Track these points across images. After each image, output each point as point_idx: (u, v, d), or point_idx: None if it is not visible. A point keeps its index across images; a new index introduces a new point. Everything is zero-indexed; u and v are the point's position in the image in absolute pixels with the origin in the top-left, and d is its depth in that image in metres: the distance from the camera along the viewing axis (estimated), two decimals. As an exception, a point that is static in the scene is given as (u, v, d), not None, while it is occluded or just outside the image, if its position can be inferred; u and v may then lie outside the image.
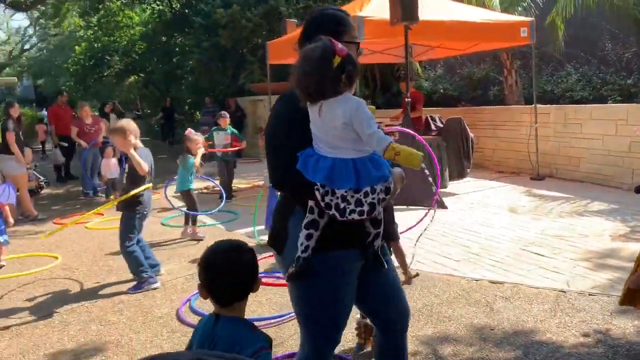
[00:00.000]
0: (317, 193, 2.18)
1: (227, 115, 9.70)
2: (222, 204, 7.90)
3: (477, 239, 6.34)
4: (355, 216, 2.17)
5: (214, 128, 9.64)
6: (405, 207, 7.92)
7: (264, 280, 5.14)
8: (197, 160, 7.16)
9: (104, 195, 10.31)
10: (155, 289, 5.17)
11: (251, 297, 4.80)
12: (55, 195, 11.44)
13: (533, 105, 10.13)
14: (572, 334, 3.79)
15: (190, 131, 7.49)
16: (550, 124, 10.22)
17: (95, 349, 3.93)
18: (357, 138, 2.18)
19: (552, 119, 10.22)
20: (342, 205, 2.16)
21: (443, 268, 5.37)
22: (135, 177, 5.19)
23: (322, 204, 2.18)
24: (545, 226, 6.73)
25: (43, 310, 4.72)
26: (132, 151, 5.15)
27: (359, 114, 2.15)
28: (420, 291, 4.75)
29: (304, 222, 2.27)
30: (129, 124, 5.12)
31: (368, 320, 3.69)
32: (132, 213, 5.19)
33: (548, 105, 10.83)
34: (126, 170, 5.46)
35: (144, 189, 5.18)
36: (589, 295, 4.48)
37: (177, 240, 7.04)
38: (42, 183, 11.93)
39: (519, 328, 3.94)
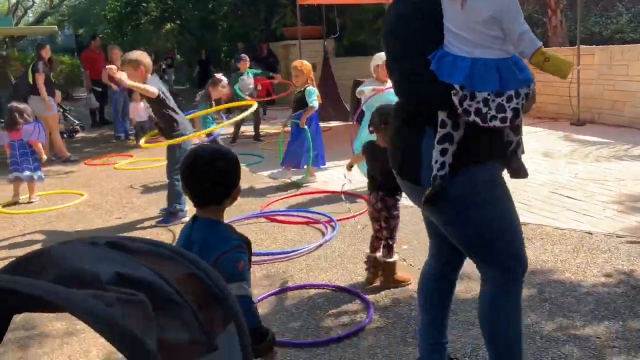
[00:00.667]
0: (454, 98, 1.91)
1: (247, 58, 9.55)
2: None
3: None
4: (497, 123, 1.92)
5: (237, 74, 9.53)
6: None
7: (280, 217, 5.11)
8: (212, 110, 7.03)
9: (134, 138, 10.42)
10: (184, 223, 5.20)
11: (266, 233, 4.86)
12: (89, 139, 11.65)
13: (576, 47, 9.54)
14: (593, 274, 3.60)
15: (220, 77, 7.31)
16: (595, 66, 9.62)
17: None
18: (501, 36, 1.91)
19: (596, 61, 9.62)
20: (484, 110, 1.90)
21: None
22: (160, 113, 5.12)
23: (460, 109, 1.92)
24: (579, 170, 6.41)
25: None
26: (129, 81, 4.95)
27: (511, 9, 1.89)
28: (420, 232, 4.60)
29: (437, 137, 2.01)
30: (142, 56, 5.02)
31: (377, 255, 3.60)
32: (174, 147, 5.15)
33: (592, 46, 10.19)
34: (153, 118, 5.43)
35: (187, 138, 5.11)
36: (617, 237, 4.24)
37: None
38: (77, 127, 12.17)
39: (537, 267, 3.77)
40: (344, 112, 12.00)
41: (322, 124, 11.77)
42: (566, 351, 2.73)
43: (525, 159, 6.81)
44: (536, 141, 8.43)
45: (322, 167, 6.65)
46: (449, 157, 2.01)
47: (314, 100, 6.29)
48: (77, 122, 12.40)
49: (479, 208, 2.11)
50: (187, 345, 0.77)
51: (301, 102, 6.37)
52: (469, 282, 3.59)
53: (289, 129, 6.60)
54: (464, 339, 2.90)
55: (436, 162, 2.01)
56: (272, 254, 4.27)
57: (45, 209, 5.94)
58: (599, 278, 3.54)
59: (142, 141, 5.33)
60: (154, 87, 4.95)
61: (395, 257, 3.59)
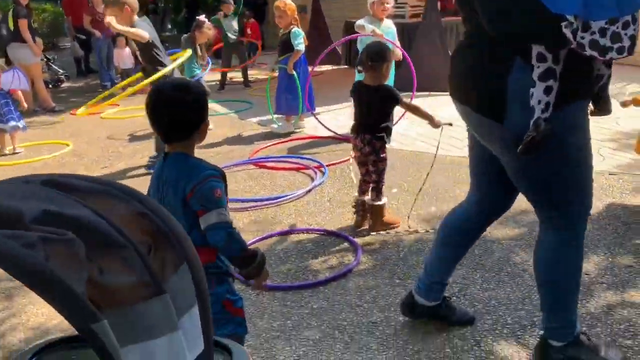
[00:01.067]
0: (566, 31, 1.67)
1: (231, 1, 9.18)
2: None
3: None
4: (614, 54, 1.69)
5: (215, 17, 9.19)
6: (427, 93, 7.55)
7: (269, 164, 5.03)
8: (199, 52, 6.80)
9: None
10: (227, 167, 5.16)
11: (254, 180, 4.79)
12: (74, 89, 11.38)
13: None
14: (584, 212, 3.57)
15: (204, 19, 7.04)
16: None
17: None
18: None
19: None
20: (601, 42, 1.67)
21: (458, 151, 5.11)
22: (150, 57, 4.94)
23: (574, 43, 1.69)
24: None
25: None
26: (119, 26, 4.79)
27: None
28: (430, 173, 4.54)
29: (537, 74, 1.79)
30: None
31: (366, 198, 3.55)
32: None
33: None
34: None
35: (167, 71, 4.94)
36: (609, 174, 4.19)
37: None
38: (62, 76, 11.87)
39: (528, 206, 3.71)
40: (335, 54, 11.74)
41: (312, 68, 11.60)
42: (554, 288, 2.72)
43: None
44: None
45: (312, 112, 6.49)
46: (553, 97, 1.79)
47: (300, 43, 6.04)
48: (61, 71, 12.08)
49: (568, 149, 1.94)
50: (131, 287, 0.70)
51: (287, 45, 6.08)
52: (459, 222, 3.56)
53: (277, 74, 6.39)
54: (452, 278, 2.88)
55: (539, 102, 1.79)
56: (261, 200, 4.21)
57: (31, 160, 5.83)
58: (593, 215, 3.50)
59: (80, 110, 5.17)
60: (144, 30, 4.77)
61: (383, 200, 3.54)
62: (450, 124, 3.41)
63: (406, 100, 3.51)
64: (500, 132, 1.92)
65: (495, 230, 3.41)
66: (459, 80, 2.06)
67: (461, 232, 2.44)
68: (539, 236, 2.16)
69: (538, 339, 2.23)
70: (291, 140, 5.92)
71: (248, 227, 3.74)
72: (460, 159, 4.84)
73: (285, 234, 3.58)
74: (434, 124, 3.46)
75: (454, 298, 2.71)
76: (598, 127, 5.42)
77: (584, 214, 2.08)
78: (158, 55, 4.88)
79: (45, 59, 11.88)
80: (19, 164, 5.73)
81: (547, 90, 1.78)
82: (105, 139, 6.62)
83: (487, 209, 2.41)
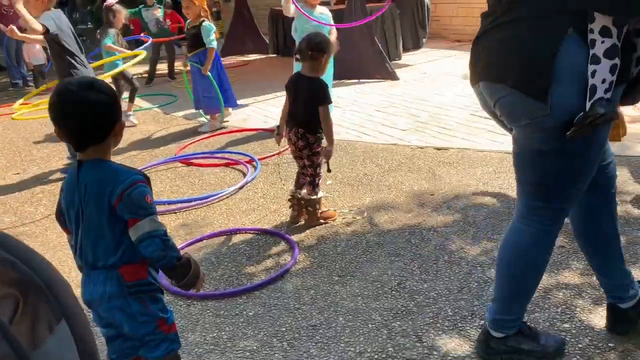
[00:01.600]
0: None
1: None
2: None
3: (426, 108, 6.03)
4: None
5: (140, 7, 8.74)
6: (356, 80, 7.50)
7: (197, 161, 4.82)
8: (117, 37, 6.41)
9: (33, 85, 9.52)
10: (153, 166, 4.84)
11: (182, 178, 4.56)
12: (-17, 88, 10.54)
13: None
14: (513, 193, 3.61)
15: (112, 2, 6.61)
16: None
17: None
18: None
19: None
20: None
21: (389, 138, 5.09)
22: (59, 60, 4.58)
23: None
24: (497, 91, 6.43)
25: None
26: (18, 6, 4.37)
27: None
28: (362, 162, 4.48)
29: (602, 50, 1.62)
30: None
31: (302, 193, 3.42)
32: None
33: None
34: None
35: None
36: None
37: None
38: (-34, 76, 10.96)
39: (460, 192, 3.74)
40: (262, 43, 11.49)
41: (240, 58, 11.31)
42: (491, 275, 2.71)
43: (446, 83, 6.79)
44: (455, 65, 8.40)
45: (235, 106, 6.23)
46: (615, 75, 1.65)
47: (213, 40, 5.62)
48: (-34, 70, 11.16)
49: (592, 141, 1.78)
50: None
51: (196, 40, 5.65)
52: (394, 212, 3.51)
53: (189, 68, 6.02)
54: (390, 271, 2.83)
55: (603, 80, 1.64)
56: (189, 200, 4.00)
57: None
58: (520, 198, 3.55)
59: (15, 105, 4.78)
60: (44, 21, 4.37)
61: (320, 194, 3.43)
62: (329, 171, 3.44)
63: (325, 111, 3.23)
64: (539, 111, 1.74)
65: (430, 218, 3.38)
66: (491, 57, 1.86)
67: (600, 227, 2.11)
68: (515, 225, 2.01)
69: (480, 330, 2.19)
70: (219, 134, 5.70)
71: (176, 230, 3.53)
72: (391, 146, 4.82)
73: (216, 235, 3.40)
74: (326, 152, 3.29)
75: (393, 292, 2.64)
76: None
77: (566, 210, 1.97)
78: (64, 53, 4.52)
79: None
80: None
81: (613, 69, 1.64)
82: (18, 142, 6.13)
83: (598, 192, 2.05)
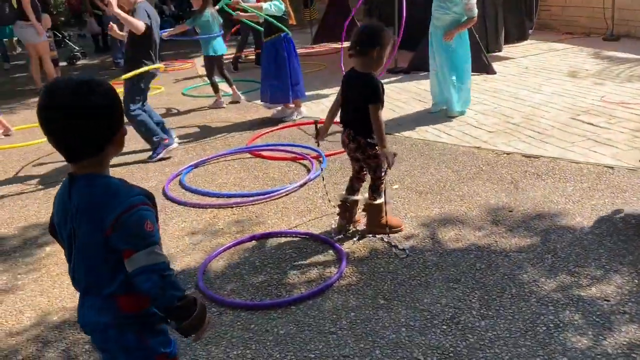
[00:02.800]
0: None
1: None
2: None
3: (521, 107, 5.47)
4: None
5: None
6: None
7: (266, 153, 4.67)
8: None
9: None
10: (172, 149, 4.85)
11: (247, 170, 4.43)
12: (91, 66, 11.19)
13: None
14: (609, 218, 3.09)
15: None
16: (634, -28, 8.53)
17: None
18: None
19: (636, -35, 8.51)
20: None
21: (472, 140, 4.63)
22: (136, 43, 4.63)
23: None
24: (607, 91, 5.70)
25: (34, 181, 4.49)
26: (116, 9, 4.54)
27: None
28: (437, 166, 4.09)
29: None
30: None
31: (357, 197, 3.14)
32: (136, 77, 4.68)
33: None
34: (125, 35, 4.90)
35: (151, 68, 4.65)
36: (628, 170, 3.68)
37: (200, 108, 6.59)
38: (77, 54, 11.67)
39: (544, 210, 3.27)
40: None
41: (332, 45, 11.07)
42: (565, 317, 2.29)
43: (548, 79, 6.13)
44: (561, 60, 7.62)
45: (303, 98, 5.91)
46: None
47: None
48: (77, 48, 11.89)
49: None
50: None
51: (270, 25, 5.43)
52: (463, 228, 3.13)
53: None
54: (445, 300, 2.48)
55: None
56: (248, 195, 3.84)
57: (20, 145, 5.59)
58: (616, 224, 3.03)
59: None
60: (140, 20, 4.46)
61: (381, 200, 3.11)
62: (395, 154, 2.90)
63: (375, 110, 2.86)
64: None
65: (503, 239, 2.97)
66: None
67: None
68: None
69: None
70: (295, 125, 5.52)
71: (228, 227, 3.39)
72: (474, 149, 4.37)
73: (263, 237, 3.21)
74: (384, 156, 2.89)
75: (444, 327, 2.30)
76: (633, 114, 4.85)
77: None
78: (143, 47, 4.59)
79: (59, 36, 11.71)
80: (18, 147, 5.50)
81: None
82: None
83: None
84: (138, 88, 4.72)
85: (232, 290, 2.70)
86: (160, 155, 4.78)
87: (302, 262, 2.92)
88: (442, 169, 4.03)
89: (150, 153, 4.85)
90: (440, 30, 5.18)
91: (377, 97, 2.86)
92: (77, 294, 1.58)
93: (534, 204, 3.36)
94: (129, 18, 4.48)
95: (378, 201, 3.12)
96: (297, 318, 2.44)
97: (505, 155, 4.22)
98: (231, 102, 6.74)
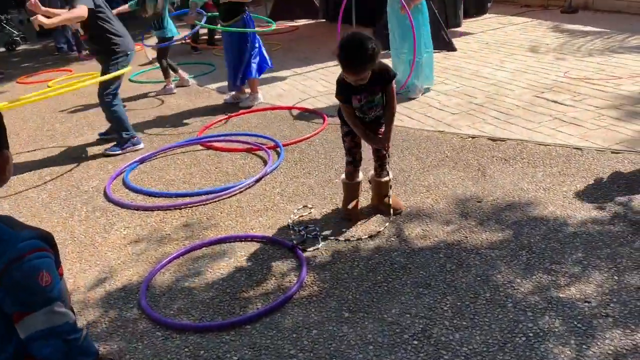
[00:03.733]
0: None
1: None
2: None
3: (483, 86, 5.28)
4: None
5: None
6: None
7: (219, 145, 4.36)
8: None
9: (76, 50, 9.33)
10: (138, 150, 4.45)
11: (198, 165, 4.09)
12: (31, 52, 10.49)
13: None
14: (582, 206, 2.92)
15: None
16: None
17: None
18: None
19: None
20: None
21: (435, 123, 4.42)
22: (94, 34, 4.21)
23: None
24: (569, 67, 5.57)
25: None
26: (41, 19, 4.00)
27: None
28: (401, 153, 3.86)
29: None
30: None
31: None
32: (111, 63, 4.26)
33: None
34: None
35: (121, 73, 4.23)
36: (612, 152, 3.53)
37: (147, 95, 6.16)
38: (16, 38, 10.92)
39: (515, 199, 3.08)
40: (312, 7, 10.78)
41: (288, 23, 10.66)
42: (545, 324, 2.10)
43: (509, 55, 5.93)
44: (521, 34, 7.48)
45: (268, 68, 5.48)
46: None
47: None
48: (16, 32, 11.12)
49: None
50: None
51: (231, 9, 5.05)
52: (430, 223, 2.91)
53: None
54: (415, 309, 2.26)
55: None
56: (197, 193, 3.53)
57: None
58: (590, 212, 2.86)
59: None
60: (78, 6, 4.01)
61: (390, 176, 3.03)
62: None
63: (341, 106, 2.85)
64: None
65: (473, 235, 2.77)
66: None
67: None
68: None
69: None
70: (253, 111, 5.20)
71: (175, 233, 3.08)
72: (437, 134, 4.14)
73: (215, 243, 2.92)
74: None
75: (415, 342, 2.08)
76: (597, 91, 4.73)
77: None
78: (104, 25, 4.18)
79: (-5, 20, 10.94)
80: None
81: None
82: (45, 113, 5.85)
83: None
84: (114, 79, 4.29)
85: (179, 309, 2.42)
86: (121, 152, 4.38)
87: (258, 271, 2.65)
88: (405, 157, 3.80)
89: (107, 144, 4.50)
90: (396, 4, 4.90)
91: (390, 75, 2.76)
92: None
93: (503, 193, 3.17)
94: (61, 17, 4.06)
95: (385, 178, 3.01)
96: (253, 340, 2.18)
97: (470, 139, 4.02)
98: (179, 86, 6.33)
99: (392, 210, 2.99)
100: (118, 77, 4.31)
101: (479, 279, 2.42)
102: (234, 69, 5.27)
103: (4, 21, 11.30)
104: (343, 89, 2.74)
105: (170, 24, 6.09)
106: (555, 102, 4.61)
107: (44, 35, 11.89)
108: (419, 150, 3.90)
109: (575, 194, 3.06)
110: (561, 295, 2.26)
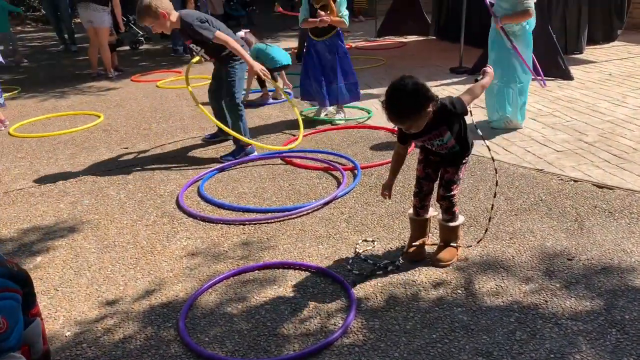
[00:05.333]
0: None
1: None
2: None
3: (598, 123, 4.72)
4: None
5: None
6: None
7: (298, 161, 4.24)
8: None
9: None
10: (251, 160, 4.41)
11: (272, 179, 3.99)
12: (152, 52, 11.15)
13: None
14: (699, 283, 2.42)
15: None
16: None
17: (69, 229, 3.36)
18: None
19: None
20: None
21: (535, 161, 3.98)
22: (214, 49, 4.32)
23: None
24: None
25: (50, 178, 4.26)
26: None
27: None
28: (488, 190, 3.50)
29: None
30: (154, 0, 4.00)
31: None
32: (231, 63, 4.35)
33: None
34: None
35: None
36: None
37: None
38: (141, 38, 11.67)
39: (613, 262, 2.63)
40: (424, 23, 10.46)
41: (398, 38, 10.43)
42: None
43: (634, 89, 5.26)
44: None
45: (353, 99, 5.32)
46: None
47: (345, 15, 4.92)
48: (140, 32, 11.89)
49: None
50: None
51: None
52: (507, 277, 2.55)
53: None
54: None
55: None
56: (263, 210, 3.42)
57: (56, 133, 5.43)
58: None
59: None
60: (225, 33, 4.18)
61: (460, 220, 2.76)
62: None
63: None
64: None
65: (555, 299, 2.37)
66: None
67: None
68: None
69: None
70: (339, 128, 5.04)
71: (232, 250, 2.97)
72: (534, 173, 3.71)
73: (262, 268, 2.77)
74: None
75: None
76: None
77: None
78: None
79: (125, 19, 11.74)
80: (45, 136, 5.35)
81: None
82: (146, 112, 6.10)
83: None
84: (238, 77, 4.38)
85: (214, 337, 2.28)
86: (234, 161, 4.35)
87: (304, 306, 2.46)
88: (489, 199, 3.43)
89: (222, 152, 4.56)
90: (494, 31, 4.50)
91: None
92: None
93: (600, 253, 2.73)
94: (240, 50, 4.24)
95: (451, 223, 2.74)
96: (279, 387, 1.99)
97: (572, 182, 3.56)
98: (274, 98, 6.33)
99: (437, 260, 2.68)
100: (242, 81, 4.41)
101: (552, 356, 2.05)
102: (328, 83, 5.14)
103: (132, 21, 12.13)
104: (403, 132, 2.51)
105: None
106: (683, 148, 3.98)
107: (166, 37, 12.63)
108: (510, 189, 3.51)
109: (693, 265, 2.56)
110: (654, 396, 1.84)
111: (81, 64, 9.58)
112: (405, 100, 2.29)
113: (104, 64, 8.44)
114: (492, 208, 3.02)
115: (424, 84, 2.37)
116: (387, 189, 2.66)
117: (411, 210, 2.79)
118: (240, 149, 4.42)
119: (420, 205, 2.73)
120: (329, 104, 5.24)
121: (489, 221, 2.97)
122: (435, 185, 2.71)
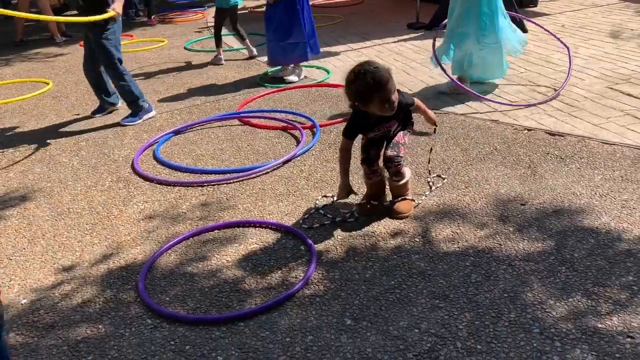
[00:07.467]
0: None
1: None
2: None
3: (551, 73, 4.81)
4: None
5: None
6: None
7: (255, 121, 4.19)
8: None
9: (143, 14, 9.46)
10: (151, 118, 4.42)
11: (231, 140, 3.94)
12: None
13: None
14: (643, 220, 2.54)
15: None
16: None
17: (20, 198, 3.26)
18: None
19: None
20: None
21: (491, 113, 4.04)
22: None
23: None
24: (653, 57, 4.98)
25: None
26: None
27: None
28: (445, 143, 3.55)
29: None
30: None
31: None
32: (103, 28, 4.18)
33: None
34: None
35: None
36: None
37: (197, 66, 6.08)
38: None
39: (564, 205, 2.72)
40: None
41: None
42: (574, 359, 1.80)
43: (585, 39, 5.38)
44: (604, 17, 6.80)
45: (317, 53, 5.24)
46: None
47: None
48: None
49: None
50: None
51: None
52: (462, 224, 2.61)
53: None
54: (426, 324, 2.00)
55: None
56: (221, 171, 3.38)
57: (2, 101, 5.20)
58: None
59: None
60: None
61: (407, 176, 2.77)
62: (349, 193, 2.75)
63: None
64: None
65: (509, 242, 2.45)
66: None
67: None
68: None
69: None
70: (297, 87, 4.98)
71: (191, 212, 2.94)
72: (491, 124, 3.77)
73: (222, 227, 2.76)
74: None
75: (419, 363, 1.84)
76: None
77: None
78: None
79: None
80: (-8, 105, 5.13)
81: None
82: (97, 78, 5.87)
83: None
84: (114, 43, 4.23)
85: (175, 296, 2.28)
86: (135, 123, 4.33)
87: (265, 262, 2.47)
88: (449, 147, 3.48)
89: (121, 115, 4.46)
90: None
91: None
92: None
93: (552, 196, 2.81)
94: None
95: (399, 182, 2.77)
96: (243, 339, 2.00)
97: (525, 131, 3.63)
98: (249, 58, 6.18)
99: (395, 212, 2.72)
100: (119, 47, 4.28)
101: (505, 295, 2.12)
102: (282, 39, 5.03)
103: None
104: (357, 126, 2.60)
105: None
106: (630, 95, 4.10)
107: None
108: (466, 140, 3.56)
109: (637, 204, 2.66)
110: (599, 326, 1.93)
111: (25, 30, 9.13)
112: (358, 82, 2.44)
113: (50, 29, 8.10)
114: (430, 150, 3.07)
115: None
116: (346, 191, 2.70)
117: (362, 172, 2.82)
118: (139, 109, 4.39)
119: (371, 170, 2.74)
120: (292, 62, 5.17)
121: (430, 173, 3.04)
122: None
